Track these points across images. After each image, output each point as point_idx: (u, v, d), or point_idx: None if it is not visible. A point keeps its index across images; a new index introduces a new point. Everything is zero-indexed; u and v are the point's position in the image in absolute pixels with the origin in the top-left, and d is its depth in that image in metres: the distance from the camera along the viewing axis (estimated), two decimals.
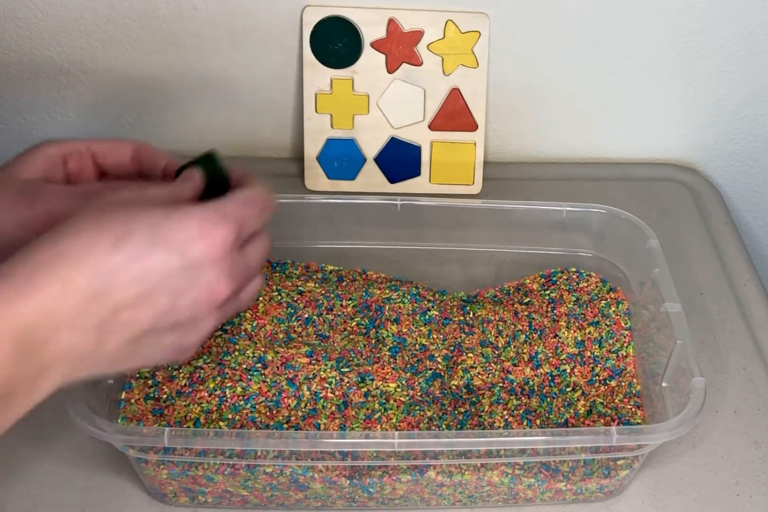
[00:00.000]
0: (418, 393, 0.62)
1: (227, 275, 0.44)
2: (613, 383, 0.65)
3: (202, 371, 0.60)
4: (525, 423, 0.61)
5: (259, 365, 0.61)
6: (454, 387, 0.63)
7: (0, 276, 0.38)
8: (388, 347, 0.64)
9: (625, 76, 0.82)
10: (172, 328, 0.44)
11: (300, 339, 0.64)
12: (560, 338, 0.66)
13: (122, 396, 0.60)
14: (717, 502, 0.61)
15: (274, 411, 0.59)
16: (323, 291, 0.67)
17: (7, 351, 0.36)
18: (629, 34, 0.78)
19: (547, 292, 0.70)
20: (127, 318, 0.41)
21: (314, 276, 0.70)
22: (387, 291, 0.68)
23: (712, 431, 0.65)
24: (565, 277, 0.71)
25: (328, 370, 0.61)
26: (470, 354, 0.65)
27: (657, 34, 0.79)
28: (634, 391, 0.64)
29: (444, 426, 0.61)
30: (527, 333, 0.67)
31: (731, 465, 0.63)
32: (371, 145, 0.82)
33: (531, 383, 0.64)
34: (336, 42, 0.77)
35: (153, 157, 0.55)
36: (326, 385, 0.61)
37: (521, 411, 0.62)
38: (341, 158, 0.82)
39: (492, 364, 0.65)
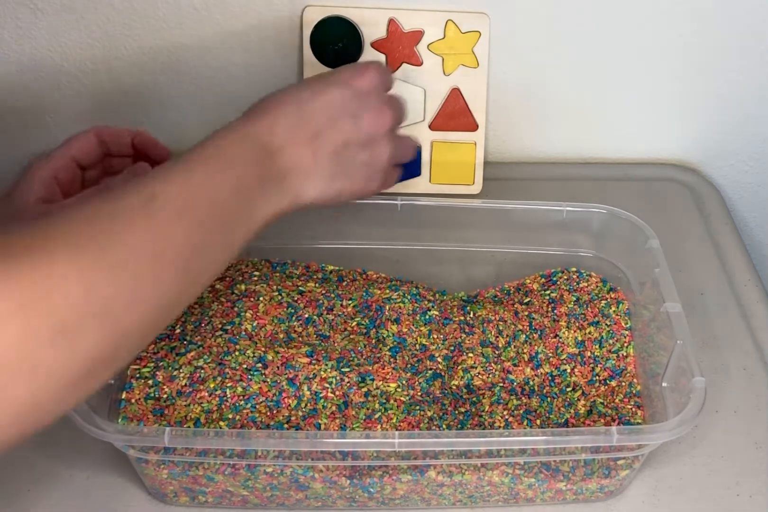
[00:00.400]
0: (419, 393, 0.62)
1: (387, 102, 0.60)
2: (613, 383, 0.65)
3: (202, 371, 0.60)
4: (525, 423, 0.61)
5: (260, 365, 0.61)
6: (454, 387, 0.63)
7: (240, 118, 0.56)
8: (388, 347, 0.64)
9: (625, 76, 0.82)
10: (361, 147, 0.58)
11: (300, 339, 0.64)
12: (560, 338, 0.66)
13: (122, 396, 0.60)
14: (717, 502, 0.61)
15: (275, 411, 0.59)
16: (324, 291, 0.67)
17: (254, 155, 0.53)
18: (629, 33, 0.78)
19: (548, 292, 0.70)
20: (326, 137, 0.56)
21: (315, 276, 0.70)
22: (387, 291, 0.68)
23: (712, 431, 0.65)
24: (565, 277, 0.71)
25: (329, 370, 0.61)
26: (470, 354, 0.65)
27: (657, 34, 0.79)
28: (634, 391, 0.64)
29: (444, 426, 0.61)
30: (527, 333, 0.67)
31: (731, 465, 0.63)
32: None
33: (531, 383, 0.64)
34: (336, 42, 0.77)
35: (117, 137, 0.65)
36: (326, 385, 0.61)
37: (521, 411, 0.62)
38: None
39: (492, 364, 0.65)
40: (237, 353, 0.61)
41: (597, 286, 0.70)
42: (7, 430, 0.38)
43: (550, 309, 0.68)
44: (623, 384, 0.65)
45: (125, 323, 0.42)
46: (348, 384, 0.61)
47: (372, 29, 0.76)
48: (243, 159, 0.52)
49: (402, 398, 0.61)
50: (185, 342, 0.63)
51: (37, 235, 0.40)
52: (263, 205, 0.53)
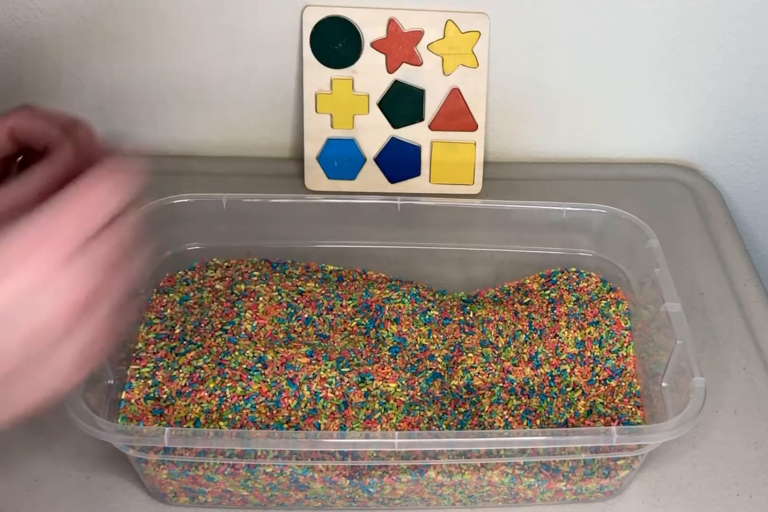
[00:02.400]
0: (418, 393, 0.62)
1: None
2: (613, 383, 0.65)
3: (202, 371, 0.60)
4: (525, 423, 0.61)
5: (260, 365, 0.61)
6: (454, 387, 0.63)
7: None
8: (388, 347, 0.64)
9: (625, 76, 0.82)
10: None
11: (300, 339, 0.64)
12: (560, 338, 0.66)
13: (122, 396, 0.60)
14: (717, 502, 0.61)
15: (274, 411, 0.59)
16: (323, 291, 0.67)
17: None
18: (629, 33, 0.79)
19: (547, 292, 0.70)
20: None
21: (314, 276, 0.70)
22: (387, 291, 0.68)
23: (712, 431, 0.65)
24: (565, 277, 0.71)
25: (328, 370, 0.61)
26: (470, 354, 0.65)
27: (657, 34, 0.79)
28: (634, 391, 0.64)
29: (444, 426, 0.61)
30: (527, 333, 0.67)
31: (731, 465, 0.63)
32: (371, 145, 0.82)
33: (531, 383, 0.64)
34: (336, 42, 0.77)
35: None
36: (326, 385, 0.61)
37: (521, 411, 0.62)
38: (341, 158, 0.82)
39: (492, 364, 0.65)
40: (237, 353, 0.61)
41: (597, 286, 0.70)
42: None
43: (549, 309, 0.68)
44: (623, 384, 0.65)
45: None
46: (348, 384, 0.61)
47: (372, 29, 0.76)
48: None
49: (402, 398, 0.61)
50: (185, 342, 0.63)
51: None
52: None
